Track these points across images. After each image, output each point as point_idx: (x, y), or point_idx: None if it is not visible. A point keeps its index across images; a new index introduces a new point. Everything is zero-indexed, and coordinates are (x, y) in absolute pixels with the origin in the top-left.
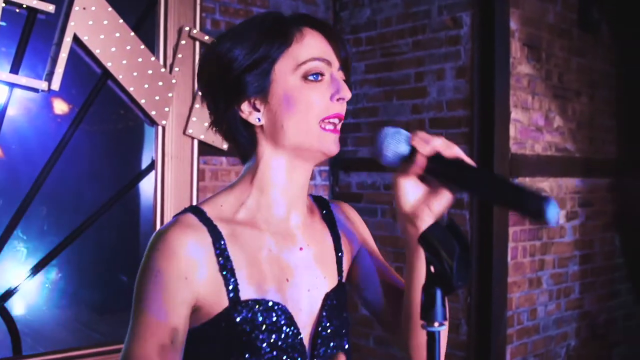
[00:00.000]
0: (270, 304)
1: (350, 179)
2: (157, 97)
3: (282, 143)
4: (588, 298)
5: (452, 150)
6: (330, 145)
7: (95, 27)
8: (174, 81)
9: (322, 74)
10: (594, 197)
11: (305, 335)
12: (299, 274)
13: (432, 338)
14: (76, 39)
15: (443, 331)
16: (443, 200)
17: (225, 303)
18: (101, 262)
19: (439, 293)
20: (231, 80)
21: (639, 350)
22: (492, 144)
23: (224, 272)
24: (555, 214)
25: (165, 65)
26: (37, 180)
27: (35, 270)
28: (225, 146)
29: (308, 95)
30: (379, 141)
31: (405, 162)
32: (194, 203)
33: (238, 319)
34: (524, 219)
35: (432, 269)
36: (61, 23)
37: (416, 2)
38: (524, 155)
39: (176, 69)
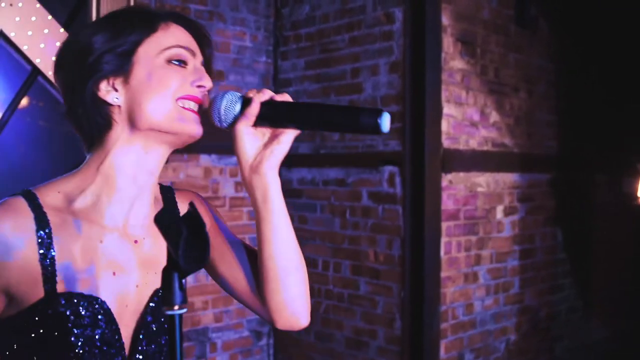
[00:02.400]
0: (87, 298)
1: (292, 175)
2: None
3: (140, 124)
4: (529, 293)
5: (284, 96)
6: (190, 123)
7: (23, 23)
8: None
9: (185, 62)
10: (534, 192)
11: (128, 332)
12: (129, 268)
13: (172, 321)
14: (3, 36)
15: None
16: (283, 143)
17: (40, 294)
18: None
19: (175, 276)
20: (90, 61)
21: (582, 343)
22: (423, 139)
23: (43, 262)
24: (388, 122)
25: None
26: None
27: None
28: None
29: (169, 76)
30: (216, 106)
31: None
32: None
33: (50, 312)
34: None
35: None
36: None
37: None
38: (457, 150)
39: None
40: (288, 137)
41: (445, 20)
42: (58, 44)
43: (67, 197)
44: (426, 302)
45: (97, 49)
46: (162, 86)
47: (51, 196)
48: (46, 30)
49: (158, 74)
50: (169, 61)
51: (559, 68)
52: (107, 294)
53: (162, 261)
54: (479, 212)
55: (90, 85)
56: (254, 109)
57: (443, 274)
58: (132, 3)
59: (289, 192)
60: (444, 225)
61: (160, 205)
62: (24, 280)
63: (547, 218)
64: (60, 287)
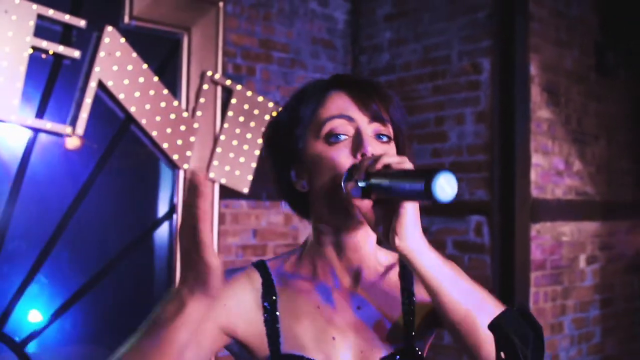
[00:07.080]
0: None
1: None
2: (179, 142)
3: (320, 209)
4: (609, 342)
5: (396, 160)
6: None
7: (120, 72)
8: (196, 126)
9: (343, 134)
10: (613, 240)
11: None
12: (351, 333)
13: None
14: (100, 84)
15: None
16: (398, 214)
17: (266, 352)
18: (121, 307)
19: None
20: (281, 147)
21: None
22: (513, 188)
23: (267, 323)
24: (443, 185)
25: (187, 110)
26: (60, 225)
27: (57, 315)
28: (245, 190)
29: (330, 156)
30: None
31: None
32: (215, 246)
33: None
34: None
35: (502, 355)
36: (86, 68)
37: (435, 47)
38: (545, 200)
39: (198, 113)
40: (404, 206)
41: (533, 70)
42: (152, 92)
43: (291, 265)
44: None
45: (283, 135)
46: (327, 171)
47: (278, 265)
48: (141, 79)
49: (320, 158)
50: (327, 140)
51: (637, 115)
52: (328, 357)
53: (390, 328)
54: (564, 261)
55: (287, 174)
56: (349, 191)
57: None
58: (220, 44)
59: None
60: (532, 275)
61: (391, 272)
62: (251, 335)
63: (626, 266)
64: (283, 349)
